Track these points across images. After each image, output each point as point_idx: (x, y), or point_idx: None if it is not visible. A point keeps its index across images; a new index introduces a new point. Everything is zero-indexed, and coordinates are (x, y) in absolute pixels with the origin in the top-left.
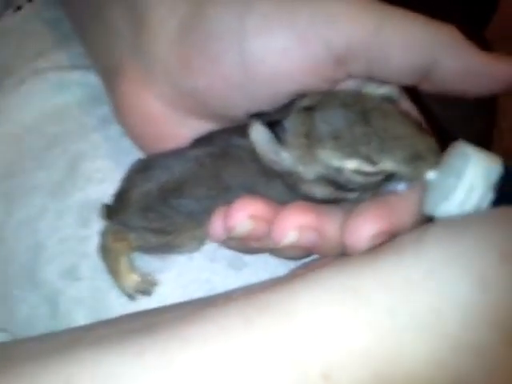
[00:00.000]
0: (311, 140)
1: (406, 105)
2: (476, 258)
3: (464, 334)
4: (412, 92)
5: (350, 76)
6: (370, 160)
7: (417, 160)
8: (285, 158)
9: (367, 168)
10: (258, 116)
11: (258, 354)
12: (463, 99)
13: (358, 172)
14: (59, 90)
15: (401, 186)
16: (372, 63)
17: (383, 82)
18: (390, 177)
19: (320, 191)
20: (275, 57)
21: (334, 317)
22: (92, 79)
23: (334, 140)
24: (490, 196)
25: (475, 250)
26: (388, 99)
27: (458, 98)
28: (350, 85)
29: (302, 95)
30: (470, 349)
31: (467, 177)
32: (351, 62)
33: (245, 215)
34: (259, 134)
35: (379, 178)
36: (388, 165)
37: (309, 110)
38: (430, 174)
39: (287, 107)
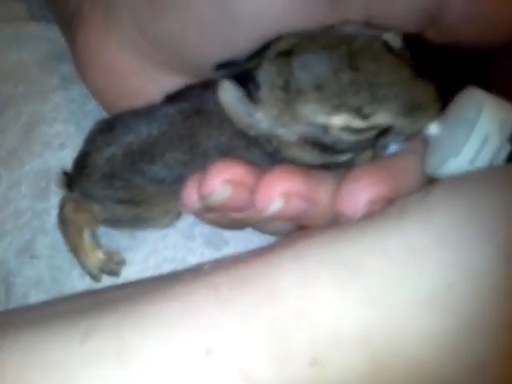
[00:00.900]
0: (290, 93)
1: (407, 56)
2: (494, 222)
3: (484, 312)
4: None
5: (346, 21)
6: (360, 113)
7: (416, 111)
8: (260, 119)
9: (358, 123)
10: (225, 66)
11: (233, 340)
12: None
13: (347, 129)
14: (15, 46)
15: (398, 147)
16: (372, 5)
17: (384, 28)
18: (384, 132)
19: (306, 156)
20: None
21: (322, 294)
22: (53, 33)
23: (317, 91)
24: (506, 149)
25: (495, 212)
26: (388, 42)
27: None
28: (350, 30)
29: (276, 38)
30: (491, 329)
31: (480, 128)
32: (348, 3)
33: (222, 180)
34: (228, 93)
35: (372, 134)
36: (382, 118)
37: (285, 55)
38: (433, 127)
39: (259, 53)
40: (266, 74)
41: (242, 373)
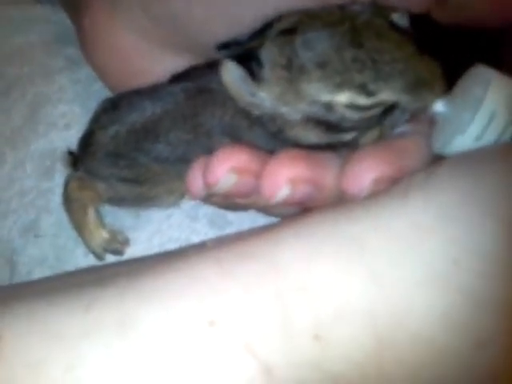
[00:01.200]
0: (293, 72)
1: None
2: (501, 199)
3: (488, 287)
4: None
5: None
6: (365, 90)
7: (421, 87)
8: (263, 98)
9: (362, 100)
10: (228, 46)
11: (236, 312)
12: None
13: (351, 106)
14: (21, 28)
15: (404, 127)
16: None
17: (390, 8)
18: (390, 110)
19: (311, 136)
20: None
21: (326, 268)
22: (59, 16)
23: (320, 69)
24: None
25: (499, 189)
26: (391, 19)
27: None
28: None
29: (278, 17)
30: (495, 305)
31: (486, 105)
32: None
33: (227, 168)
34: (231, 73)
35: (377, 111)
36: (387, 94)
37: (287, 34)
38: (440, 105)
39: (262, 33)
40: (269, 53)
41: (245, 344)
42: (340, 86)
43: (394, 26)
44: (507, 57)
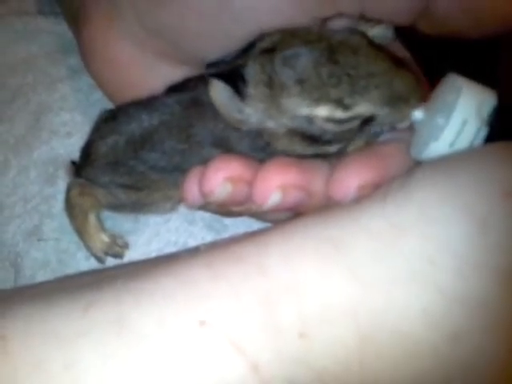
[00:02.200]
0: (274, 89)
1: (398, 47)
2: (474, 198)
3: (462, 285)
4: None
5: (340, 14)
6: (341, 104)
7: (397, 100)
8: (250, 114)
9: (339, 114)
10: (215, 65)
11: (225, 312)
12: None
13: (330, 120)
14: (24, 39)
15: (387, 135)
16: None
17: (376, 21)
18: (368, 122)
19: (296, 147)
20: None
21: (309, 269)
22: (61, 27)
23: (299, 85)
24: (483, 132)
25: (473, 188)
26: (367, 34)
27: None
28: (340, 24)
29: (260, 36)
30: (469, 303)
31: (458, 112)
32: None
33: (222, 178)
34: (218, 91)
35: (355, 124)
36: (363, 108)
37: (268, 52)
38: (417, 114)
39: (246, 51)
40: (252, 71)
41: (234, 343)
42: (318, 101)
43: (371, 43)
44: (502, 66)
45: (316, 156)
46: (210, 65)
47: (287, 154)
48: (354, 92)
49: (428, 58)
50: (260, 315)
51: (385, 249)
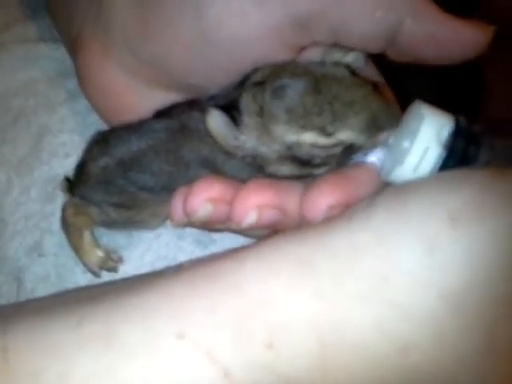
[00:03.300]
0: (264, 117)
1: (373, 73)
2: (424, 222)
3: (412, 301)
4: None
5: (315, 43)
6: (324, 131)
7: (373, 127)
8: (245, 141)
9: (323, 141)
10: (214, 98)
11: (202, 326)
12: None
13: (315, 145)
14: (26, 64)
15: (361, 156)
16: (335, 29)
17: (349, 49)
18: (349, 148)
19: (286, 170)
20: (233, 21)
21: (279, 287)
22: (61, 53)
23: (287, 114)
24: (443, 155)
25: (424, 213)
26: (351, 66)
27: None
28: (315, 52)
29: (253, 70)
30: (418, 317)
31: (420, 139)
32: (314, 27)
33: (204, 199)
34: (216, 120)
35: (338, 150)
36: (344, 135)
37: (259, 85)
38: (387, 138)
39: (242, 84)
40: (245, 102)
41: (208, 353)
42: (303, 128)
43: (354, 73)
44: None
45: (301, 177)
46: (210, 98)
47: (277, 177)
48: (335, 120)
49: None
50: (233, 327)
51: (345, 268)
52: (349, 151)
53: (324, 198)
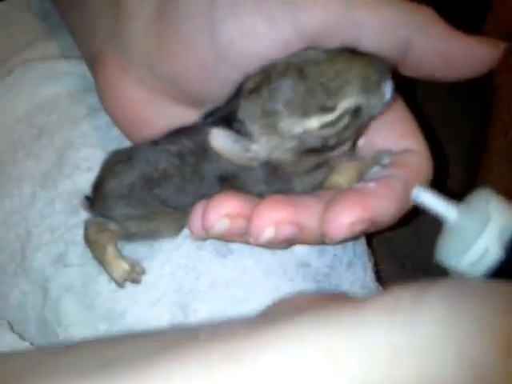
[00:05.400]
0: (268, 118)
1: None
2: (469, 343)
3: None
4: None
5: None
6: (325, 109)
7: (369, 84)
8: (257, 150)
9: (328, 117)
10: (211, 114)
11: None
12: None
13: (324, 126)
14: (48, 81)
15: (380, 170)
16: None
17: None
18: (358, 111)
19: (306, 164)
20: (245, 40)
21: (302, 376)
22: (82, 69)
23: (286, 107)
24: (501, 258)
25: (472, 331)
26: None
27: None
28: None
29: (245, 79)
30: None
31: (484, 238)
32: (324, 45)
33: (221, 214)
34: (220, 138)
35: (347, 119)
36: (346, 103)
37: (254, 91)
38: (451, 216)
39: (236, 96)
40: (246, 110)
41: None
42: (306, 114)
43: (327, 50)
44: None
45: (324, 165)
46: (207, 115)
47: (296, 175)
48: (331, 94)
49: None
50: None
51: (376, 371)
52: (359, 113)
53: (346, 214)
